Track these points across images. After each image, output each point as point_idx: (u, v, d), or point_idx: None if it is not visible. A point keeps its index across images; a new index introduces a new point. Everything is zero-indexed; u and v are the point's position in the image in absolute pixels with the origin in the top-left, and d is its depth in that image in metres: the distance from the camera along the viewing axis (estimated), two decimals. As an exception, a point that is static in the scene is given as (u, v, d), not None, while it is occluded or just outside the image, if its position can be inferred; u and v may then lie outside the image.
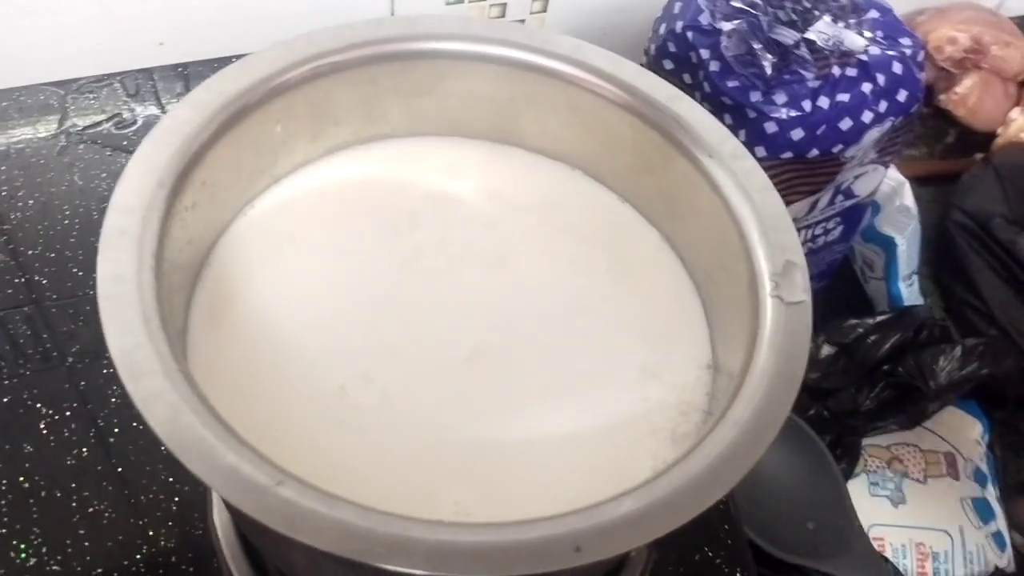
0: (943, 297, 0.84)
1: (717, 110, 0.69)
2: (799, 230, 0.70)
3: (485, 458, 0.37)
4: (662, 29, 0.72)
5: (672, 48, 0.71)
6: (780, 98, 0.65)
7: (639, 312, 0.43)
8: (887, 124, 0.66)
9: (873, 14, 0.66)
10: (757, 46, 0.65)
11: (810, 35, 0.65)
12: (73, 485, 0.51)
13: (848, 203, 0.74)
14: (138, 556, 0.49)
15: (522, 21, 0.87)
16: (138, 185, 0.37)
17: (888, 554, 0.67)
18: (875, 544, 0.68)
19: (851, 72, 0.66)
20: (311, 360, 0.39)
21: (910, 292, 0.76)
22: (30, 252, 0.60)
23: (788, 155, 0.68)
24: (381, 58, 0.44)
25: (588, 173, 0.48)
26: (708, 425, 0.34)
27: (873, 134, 0.65)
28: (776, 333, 0.36)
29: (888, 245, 0.76)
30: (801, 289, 0.37)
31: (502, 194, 0.47)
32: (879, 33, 0.66)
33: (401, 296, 0.42)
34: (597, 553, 0.30)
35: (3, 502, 0.50)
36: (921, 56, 0.65)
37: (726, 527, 0.55)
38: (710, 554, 0.54)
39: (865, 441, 0.70)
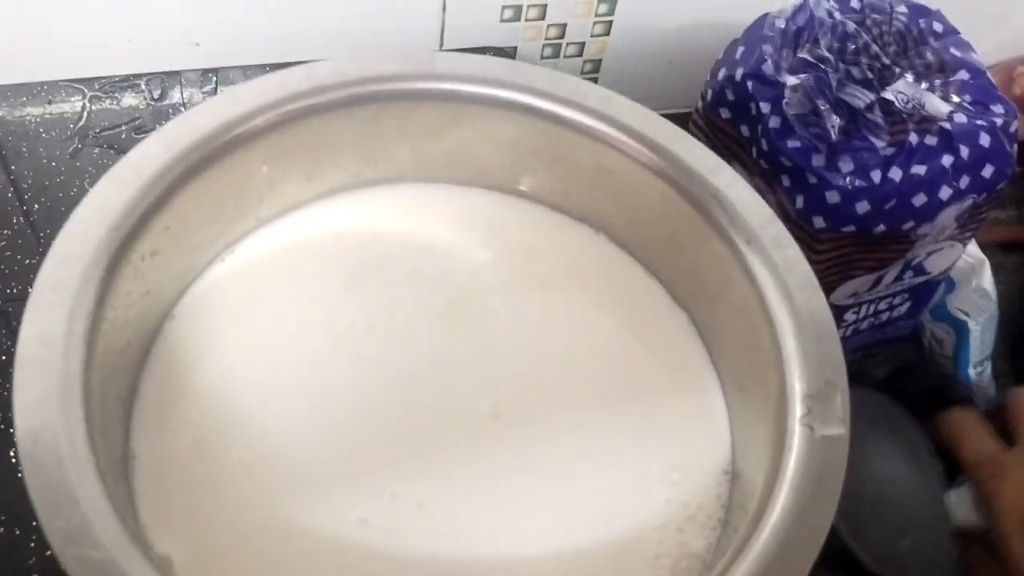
0: (1018, 378, 0.76)
1: (774, 171, 0.62)
2: (860, 305, 0.63)
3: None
4: (721, 74, 0.65)
5: (730, 96, 0.64)
6: (846, 165, 0.58)
7: (657, 405, 0.38)
8: (967, 202, 0.58)
9: (963, 75, 0.58)
10: (823, 106, 0.58)
11: (887, 95, 0.58)
12: (34, 523, 0.48)
13: (918, 280, 0.67)
14: None
15: (582, 44, 0.81)
16: (84, 231, 0.32)
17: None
18: None
19: (930, 141, 0.59)
20: (278, 444, 0.35)
21: (980, 378, 0.68)
22: (27, 262, 0.57)
23: (851, 229, 0.61)
24: (386, 96, 0.39)
25: (613, 239, 0.43)
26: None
27: (951, 212, 0.58)
28: (802, 471, 0.30)
29: (960, 328, 0.69)
30: (839, 419, 0.31)
31: (516, 255, 0.42)
32: (967, 98, 0.58)
33: (397, 375, 0.37)
34: None
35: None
36: (1015, 127, 0.58)
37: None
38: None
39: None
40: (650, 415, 0.37)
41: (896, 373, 0.72)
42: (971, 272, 0.68)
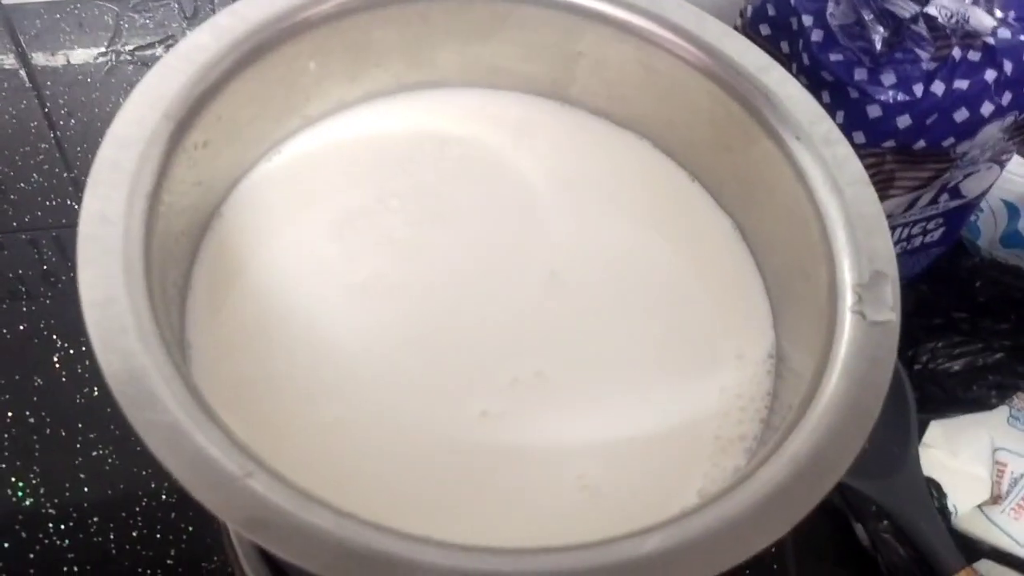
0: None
1: (815, 87, 0.61)
2: (894, 228, 0.63)
3: (514, 467, 0.33)
4: (761, -12, 0.64)
5: (771, 11, 0.64)
6: (888, 79, 0.58)
7: (700, 307, 0.38)
8: (1009, 119, 0.58)
9: (1008, -11, 0.58)
10: (868, 16, 0.58)
11: (930, 10, 0.58)
12: (79, 425, 0.49)
13: (953, 203, 0.67)
14: (136, 509, 0.46)
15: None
16: (141, 115, 0.33)
17: (1004, 478, 0.63)
18: (996, 468, 0.64)
19: (974, 56, 0.58)
20: (327, 345, 0.35)
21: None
22: (65, 175, 0.57)
23: (891, 144, 0.60)
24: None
25: (657, 145, 0.42)
26: (759, 456, 0.29)
27: (991, 129, 0.58)
28: (852, 356, 0.30)
29: None
30: (889, 307, 0.31)
31: (559, 160, 0.42)
32: (1012, 14, 0.58)
33: (436, 276, 0.37)
34: (606, 602, 0.25)
35: (6, 435, 0.48)
36: (1061, 44, 0.57)
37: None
38: (775, 567, 0.49)
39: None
40: (694, 315, 0.38)
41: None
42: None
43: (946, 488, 0.62)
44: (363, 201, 0.39)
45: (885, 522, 0.58)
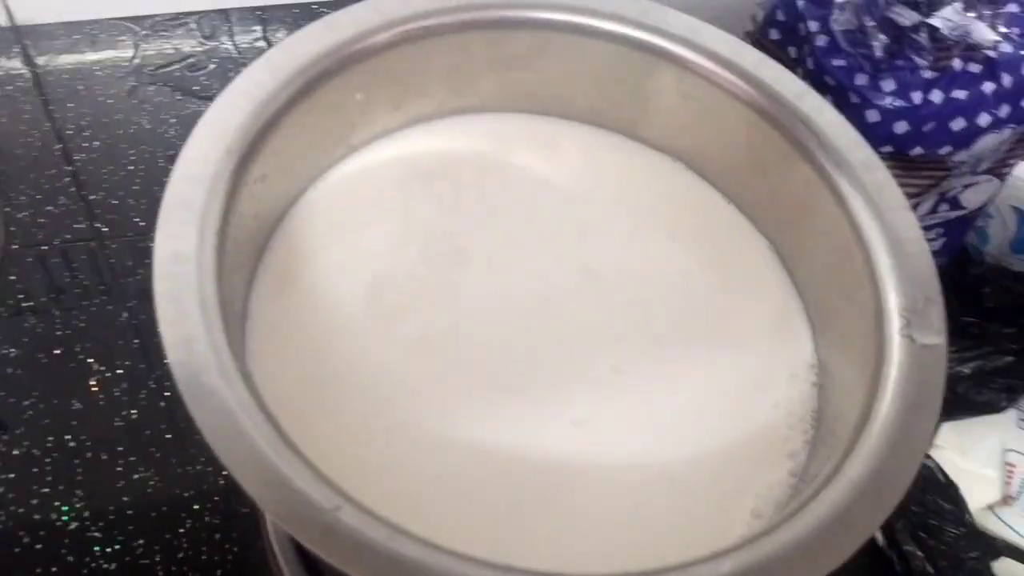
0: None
1: (818, 90, 0.63)
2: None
3: (574, 490, 0.34)
4: (773, -7, 0.66)
5: (781, 16, 0.65)
6: (888, 85, 0.59)
7: (738, 328, 0.39)
8: (1006, 131, 0.59)
9: (1012, 7, 0.59)
10: (870, 23, 0.59)
11: (934, 21, 0.59)
12: (120, 448, 0.49)
13: (953, 214, 0.68)
14: (181, 530, 0.47)
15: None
16: (205, 152, 0.33)
17: (1014, 479, 0.65)
18: (1006, 469, 0.65)
19: (974, 68, 0.59)
20: (381, 361, 0.36)
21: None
22: (92, 197, 0.58)
23: (888, 149, 0.62)
24: (479, 25, 0.40)
25: (691, 167, 0.44)
26: (819, 479, 0.30)
27: (988, 140, 0.59)
28: (904, 379, 0.31)
29: None
30: (936, 330, 0.32)
31: (596, 182, 0.43)
32: (1015, 30, 0.59)
33: (480, 284, 0.39)
34: (687, 624, 0.26)
35: (48, 460, 0.48)
36: (1061, 60, 0.59)
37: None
38: None
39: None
40: (736, 335, 0.39)
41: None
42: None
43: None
44: (406, 221, 0.40)
45: (900, 521, 0.59)
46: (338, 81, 0.38)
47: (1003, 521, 0.64)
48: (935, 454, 0.65)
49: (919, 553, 0.58)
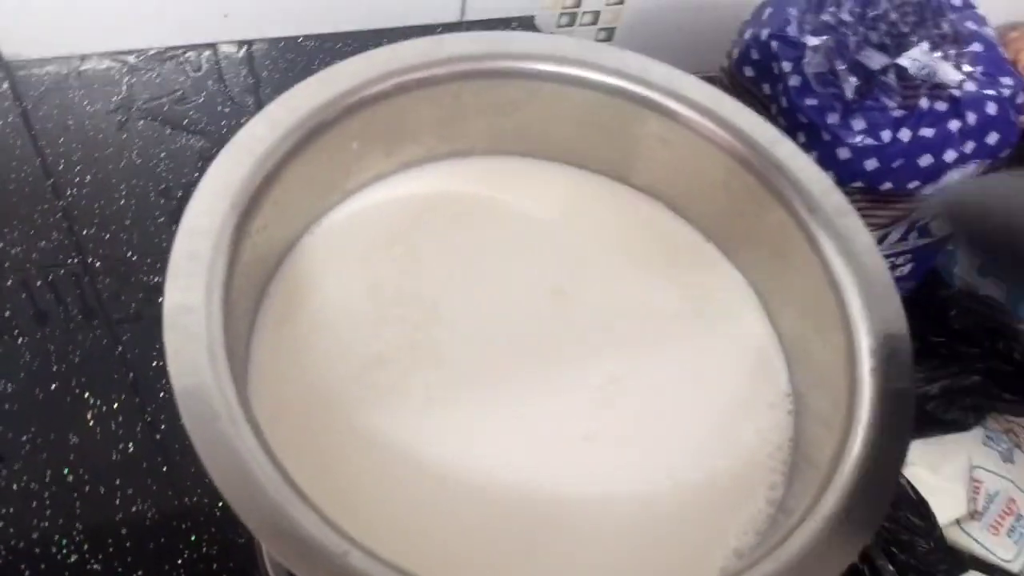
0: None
1: (792, 128, 0.65)
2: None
3: (559, 528, 0.36)
4: (747, 34, 0.68)
5: (755, 55, 0.68)
6: (858, 124, 0.62)
7: (719, 358, 0.41)
8: (971, 166, 0.62)
9: (975, 47, 0.62)
10: (841, 66, 0.62)
11: (902, 61, 0.62)
12: (117, 481, 0.50)
13: (922, 241, 0.71)
14: (179, 561, 0.48)
15: (597, 12, 0.84)
16: (210, 206, 0.35)
17: (980, 495, 0.68)
18: (972, 485, 0.69)
19: (940, 107, 0.62)
20: (380, 393, 0.37)
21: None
22: (84, 232, 0.59)
23: (859, 184, 0.65)
24: (469, 75, 0.41)
25: (671, 207, 0.45)
26: (795, 517, 0.32)
27: (954, 175, 0.62)
28: (873, 421, 0.33)
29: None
30: (905, 376, 0.34)
31: (580, 221, 0.45)
32: (979, 69, 0.62)
33: (469, 319, 0.40)
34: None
35: (46, 494, 0.49)
36: (1021, 98, 0.62)
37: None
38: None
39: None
40: (715, 365, 0.40)
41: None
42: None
43: (926, 504, 0.66)
44: (398, 259, 0.41)
45: (873, 537, 0.61)
46: (335, 132, 0.39)
47: (969, 535, 0.67)
48: (906, 471, 0.68)
49: (890, 567, 0.61)
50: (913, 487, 0.65)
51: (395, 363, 0.38)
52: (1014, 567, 0.66)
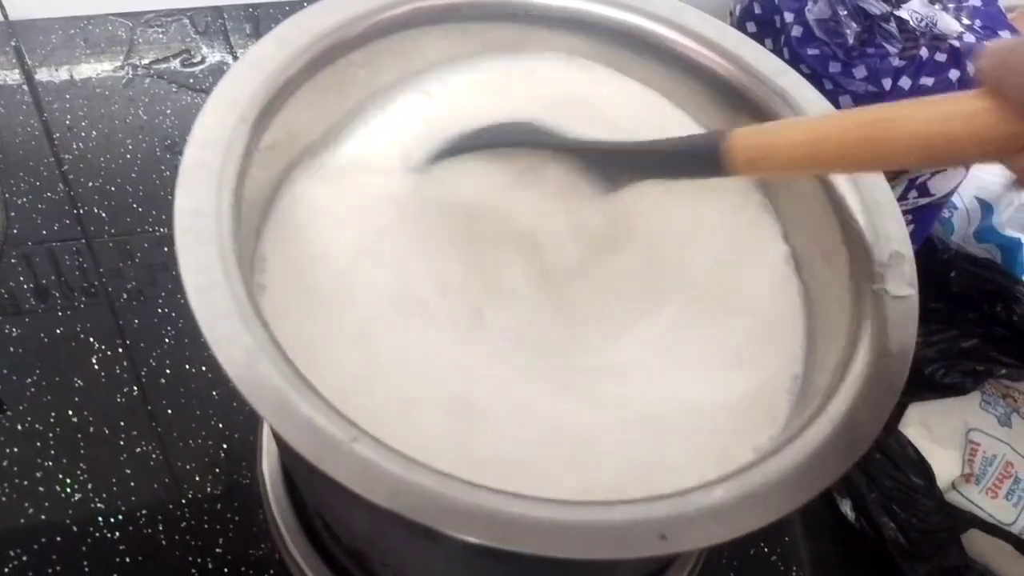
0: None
1: (794, 78, 0.66)
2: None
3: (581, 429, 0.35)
4: (749, -11, 0.69)
5: (757, 10, 0.68)
6: (859, 71, 0.62)
7: (742, 282, 0.40)
8: (972, 118, 0.62)
9: (974, 1, 0.63)
10: (843, 12, 0.62)
11: (902, 12, 0.62)
12: (122, 423, 0.50)
13: (922, 201, 0.71)
14: (183, 501, 0.48)
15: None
16: (219, 118, 0.35)
17: (978, 458, 0.67)
18: (969, 448, 0.69)
19: (940, 57, 0.63)
20: (383, 310, 0.37)
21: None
22: (90, 184, 0.59)
23: (860, 132, 0.65)
24: (476, 9, 0.42)
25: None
26: (805, 418, 0.32)
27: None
28: (879, 327, 0.34)
29: (1013, 246, 0.74)
30: (908, 283, 0.35)
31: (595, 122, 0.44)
32: (977, 22, 0.63)
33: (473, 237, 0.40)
34: (683, 543, 0.28)
35: (51, 435, 0.49)
36: (1021, 50, 0.62)
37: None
38: (765, 550, 0.52)
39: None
40: (737, 290, 0.40)
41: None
42: (1007, 194, 0.73)
43: (921, 465, 0.66)
44: (406, 183, 0.41)
45: (874, 494, 0.61)
46: (343, 59, 0.40)
47: (966, 498, 0.67)
48: (904, 431, 0.68)
49: (892, 524, 0.61)
50: (913, 446, 0.65)
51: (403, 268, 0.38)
52: (1014, 529, 0.66)
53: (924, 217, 0.73)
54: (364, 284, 0.37)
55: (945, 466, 0.67)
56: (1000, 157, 0.27)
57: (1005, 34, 0.63)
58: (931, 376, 0.69)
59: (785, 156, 0.32)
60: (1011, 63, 0.24)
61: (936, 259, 0.71)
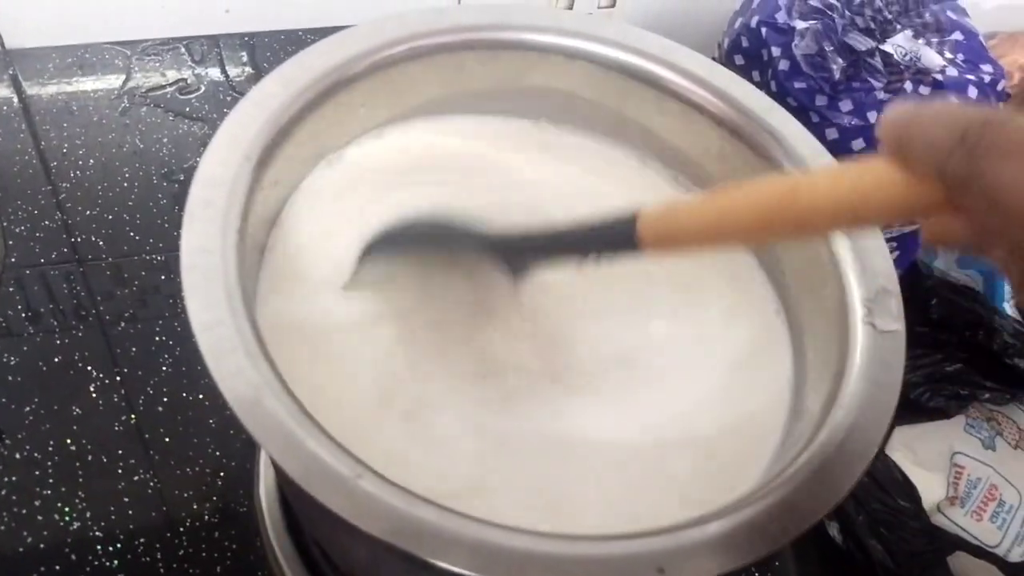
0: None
1: (781, 112, 0.67)
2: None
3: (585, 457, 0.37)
4: (738, 23, 0.70)
5: (745, 43, 0.70)
6: (845, 105, 0.64)
7: (728, 320, 0.42)
8: (955, 150, 0.64)
9: (957, 36, 0.64)
10: (829, 48, 0.64)
11: (886, 47, 0.64)
12: (120, 451, 0.51)
13: (907, 228, 0.73)
14: (181, 529, 0.49)
15: (590, 15, 0.86)
16: (224, 157, 0.36)
17: (962, 481, 0.68)
18: (954, 471, 0.69)
19: (924, 90, 0.64)
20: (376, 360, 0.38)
21: (1014, 310, 0.75)
22: (87, 212, 0.60)
23: (846, 164, 0.66)
24: (473, 45, 0.43)
25: (667, 167, 0.47)
26: (795, 453, 0.33)
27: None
28: (868, 361, 0.35)
29: (994, 274, 0.75)
30: (894, 317, 0.36)
31: (570, 172, 0.46)
32: (960, 56, 0.64)
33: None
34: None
35: (49, 463, 0.50)
36: (1001, 85, 0.64)
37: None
38: (756, 574, 0.53)
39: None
40: (722, 327, 0.42)
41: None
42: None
43: (905, 488, 0.67)
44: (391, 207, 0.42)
45: (861, 517, 0.62)
46: (344, 95, 0.40)
47: (951, 520, 0.68)
48: (890, 455, 0.69)
49: (879, 547, 0.62)
50: (900, 470, 0.66)
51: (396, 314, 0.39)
52: (999, 552, 0.67)
53: (908, 244, 0.74)
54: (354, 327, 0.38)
55: (930, 489, 0.68)
56: (910, 219, 0.26)
57: (987, 67, 0.65)
58: (916, 400, 0.70)
59: (693, 233, 0.31)
60: (912, 130, 0.23)
61: (921, 285, 0.72)
